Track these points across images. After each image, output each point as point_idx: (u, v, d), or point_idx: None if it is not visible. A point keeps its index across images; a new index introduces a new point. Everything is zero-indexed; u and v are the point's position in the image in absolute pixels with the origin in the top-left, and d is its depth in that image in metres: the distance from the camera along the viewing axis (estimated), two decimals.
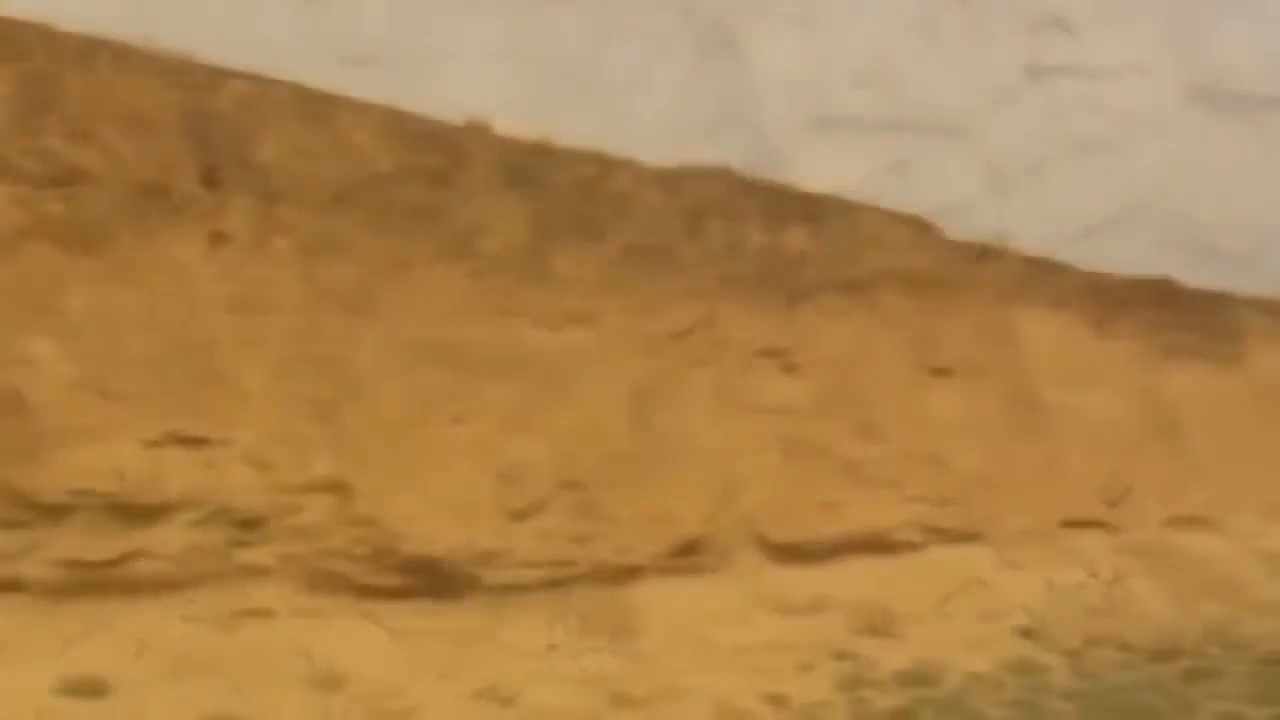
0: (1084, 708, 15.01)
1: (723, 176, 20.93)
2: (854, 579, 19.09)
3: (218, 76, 15.45)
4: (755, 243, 20.68)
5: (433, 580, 15.36)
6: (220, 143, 15.19)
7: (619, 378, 17.95)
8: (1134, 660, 18.06)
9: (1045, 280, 26.37)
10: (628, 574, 17.08)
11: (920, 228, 23.79)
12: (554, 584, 16.28)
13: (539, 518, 16.44)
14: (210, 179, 15.06)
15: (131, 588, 13.66)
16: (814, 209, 21.86)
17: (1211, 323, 29.84)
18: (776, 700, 14.85)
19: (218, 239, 14.92)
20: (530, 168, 18.17)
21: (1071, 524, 23.97)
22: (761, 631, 16.89)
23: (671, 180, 20.05)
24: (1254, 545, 26.27)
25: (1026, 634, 18.61)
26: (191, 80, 15.28)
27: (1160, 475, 26.36)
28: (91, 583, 13.48)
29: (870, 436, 20.91)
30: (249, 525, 14.25)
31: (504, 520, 16.06)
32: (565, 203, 18.35)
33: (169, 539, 13.90)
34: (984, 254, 25.00)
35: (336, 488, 14.86)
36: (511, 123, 18.29)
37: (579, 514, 16.84)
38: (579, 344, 17.66)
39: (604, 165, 19.16)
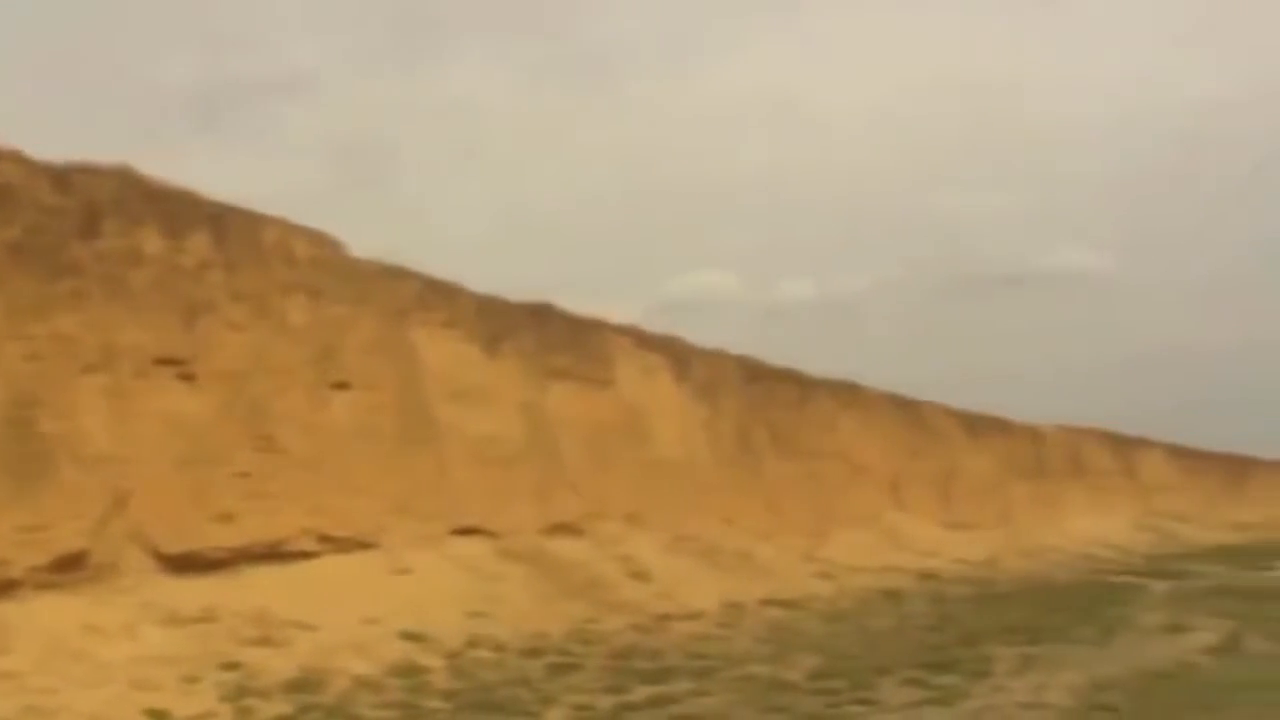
0: (459, 706, 16.09)
1: (120, 176, 20.23)
2: (245, 589, 19.16)
3: None
4: (154, 248, 20.17)
5: None
6: None
7: None
8: (506, 658, 19.56)
9: (440, 300, 27.80)
10: (1, 589, 16.10)
11: (323, 242, 24.26)
12: None
13: None
14: None
15: None
16: (217, 217, 21.68)
17: (586, 346, 32.81)
18: (157, 715, 14.66)
19: None
20: None
21: (458, 531, 25.44)
22: (147, 645, 16.55)
23: (64, 177, 19.12)
24: (615, 550, 29.22)
25: (411, 638, 19.56)
26: None
27: (538, 486, 28.62)
28: None
29: (268, 447, 21.06)
30: None
31: None
32: None
33: None
34: (383, 271, 25.95)
35: None
36: None
37: None
38: None
39: None
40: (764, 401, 40.40)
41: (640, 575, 27.97)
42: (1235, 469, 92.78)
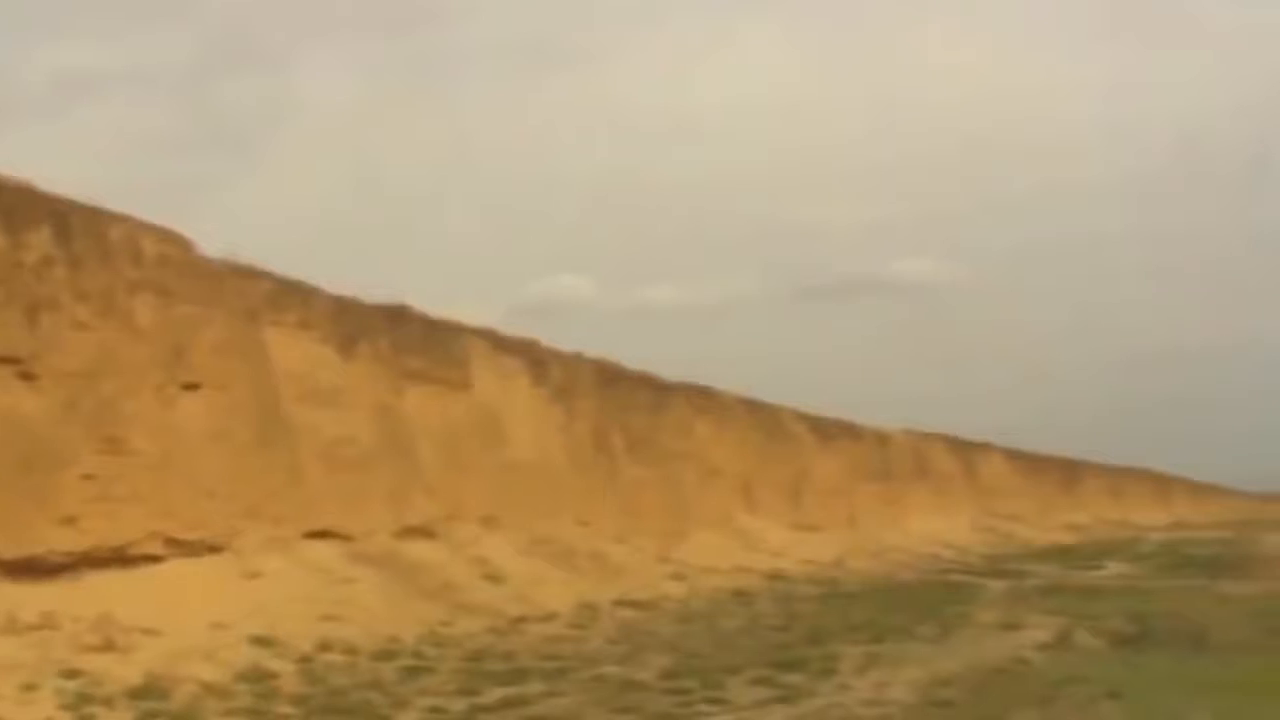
0: (309, 711, 15.97)
1: None
2: (88, 594, 18.70)
3: None
4: None
5: None
6: None
7: None
8: (358, 662, 19.46)
9: (294, 300, 27.44)
10: None
11: (172, 240, 23.77)
12: None
13: None
14: None
15: None
16: (60, 213, 21.10)
17: (442, 348, 32.71)
18: None
19: None
20: None
21: (311, 535, 25.14)
22: None
23: None
24: (470, 553, 29.20)
25: (261, 643, 19.32)
26: None
27: (392, 488, 28.44)
28: None
29: (114, 449, 20.57)
30: None
31: None
32: None
33: None
34: (235, 271, 25.52)
35: None
36: None
37: None
38: None
39: None
40: (620, 405, 40.75)
41: (495, 577, 28.02)
42: (1068, 472, 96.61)
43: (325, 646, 19.93)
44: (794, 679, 18.31)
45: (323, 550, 24.95)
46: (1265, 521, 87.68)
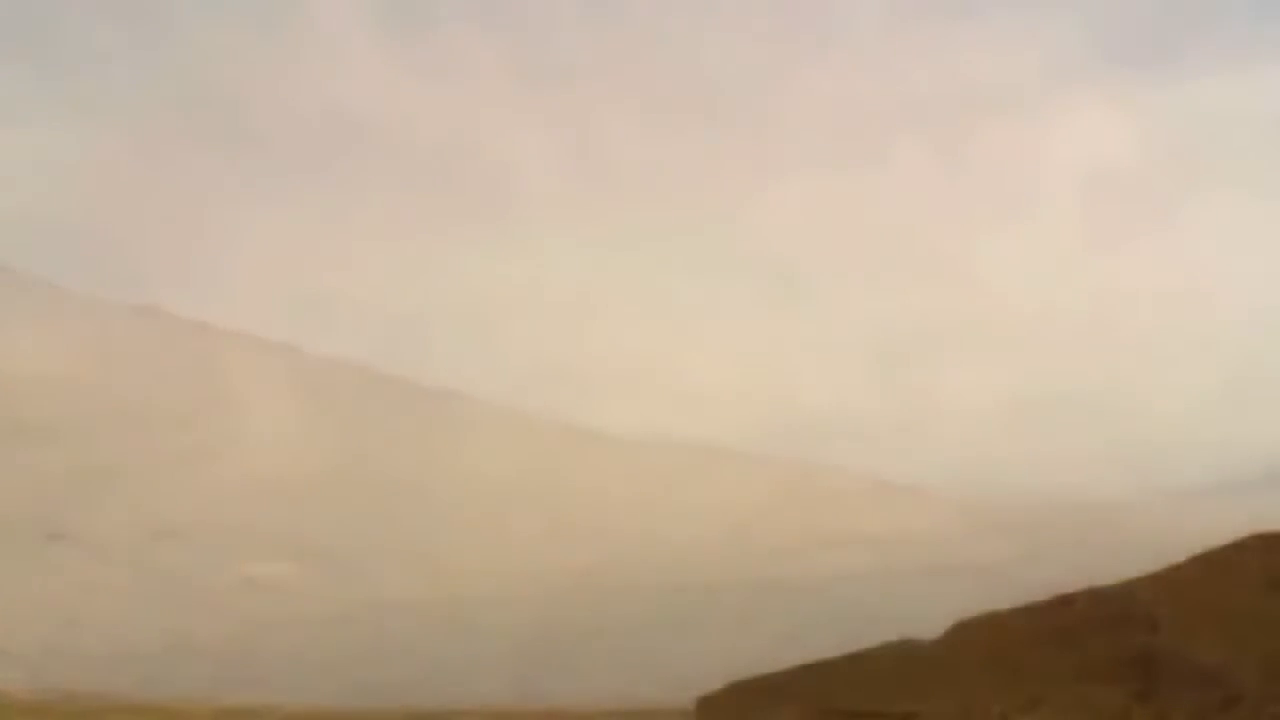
0: None
1: None
2: None
3: None
4: None
5: None
6: None
7: None
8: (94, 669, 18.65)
9: None
10: None
11: None
12: None
13: None
14: None
15: None
16: None
17: None
18: None
19: None
20: None
21: (50, 538, 23.85)
22: None
23: None
24: None
25: None
26: None
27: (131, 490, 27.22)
28: None
29: None
30: None
31: None
32: None
33: None
34: None
35: None
36: None
37: None
38: None
39: None
40: None
41: None
42: None
43: (51, 653, 18.97)
44: None
45: (57, 553, 23.73)
46: None
